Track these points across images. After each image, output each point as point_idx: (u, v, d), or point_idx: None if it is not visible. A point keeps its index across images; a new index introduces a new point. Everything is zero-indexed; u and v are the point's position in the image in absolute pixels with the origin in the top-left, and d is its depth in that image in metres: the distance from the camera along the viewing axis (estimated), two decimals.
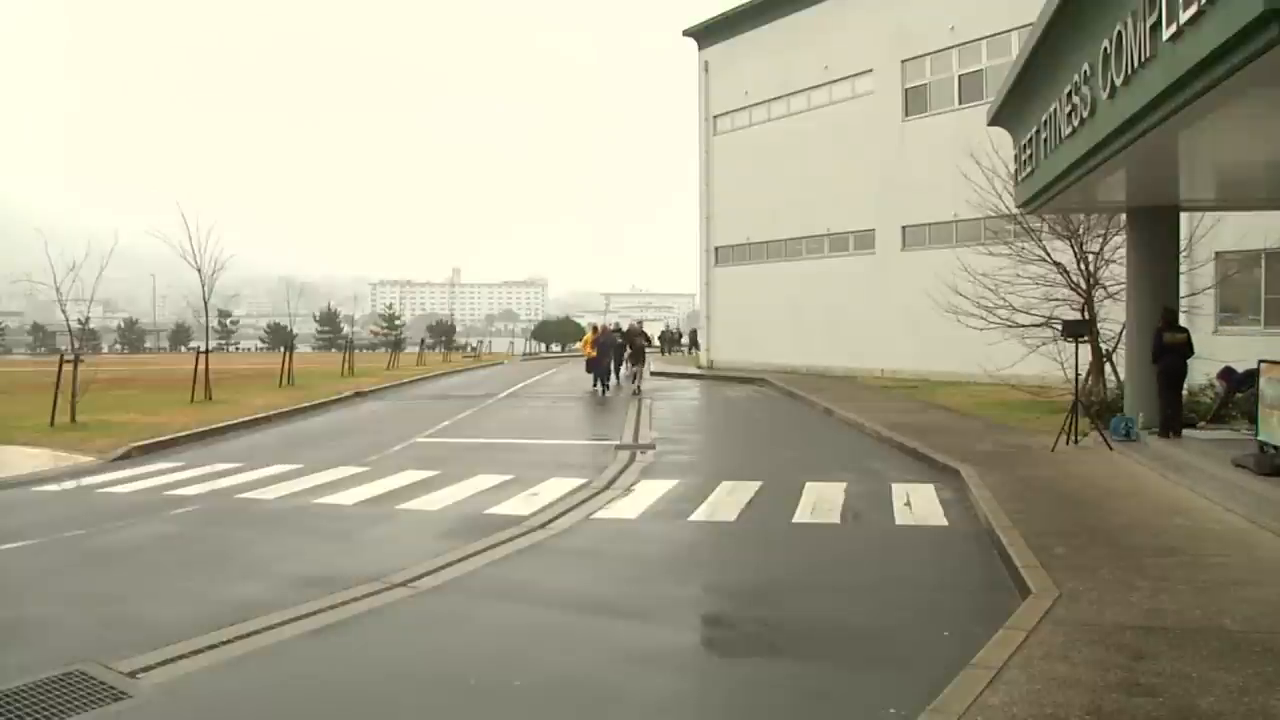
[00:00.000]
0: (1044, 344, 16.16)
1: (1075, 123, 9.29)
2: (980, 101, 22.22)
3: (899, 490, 10.24)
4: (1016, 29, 21.49)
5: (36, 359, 56.33)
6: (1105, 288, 15.96)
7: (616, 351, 25.25)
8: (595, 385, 24.32)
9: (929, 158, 24.15)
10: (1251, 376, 11.78)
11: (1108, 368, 16.00)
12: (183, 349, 74.83)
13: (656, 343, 44.76)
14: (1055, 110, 10.15)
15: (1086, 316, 15.66)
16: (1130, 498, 9.14)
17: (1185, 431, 11.58)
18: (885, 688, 4.86)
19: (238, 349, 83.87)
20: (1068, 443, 12.22)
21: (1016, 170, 13.17)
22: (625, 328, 26.96)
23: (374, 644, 5.66)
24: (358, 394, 23.88)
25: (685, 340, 52.91)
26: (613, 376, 25.18)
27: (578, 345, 26.72)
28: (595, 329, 26.46)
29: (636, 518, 9.23)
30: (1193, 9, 6.05)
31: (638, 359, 24.31)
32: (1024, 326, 16.61)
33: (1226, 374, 12.65)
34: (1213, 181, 11.67)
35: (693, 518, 9.10)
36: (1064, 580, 6.22)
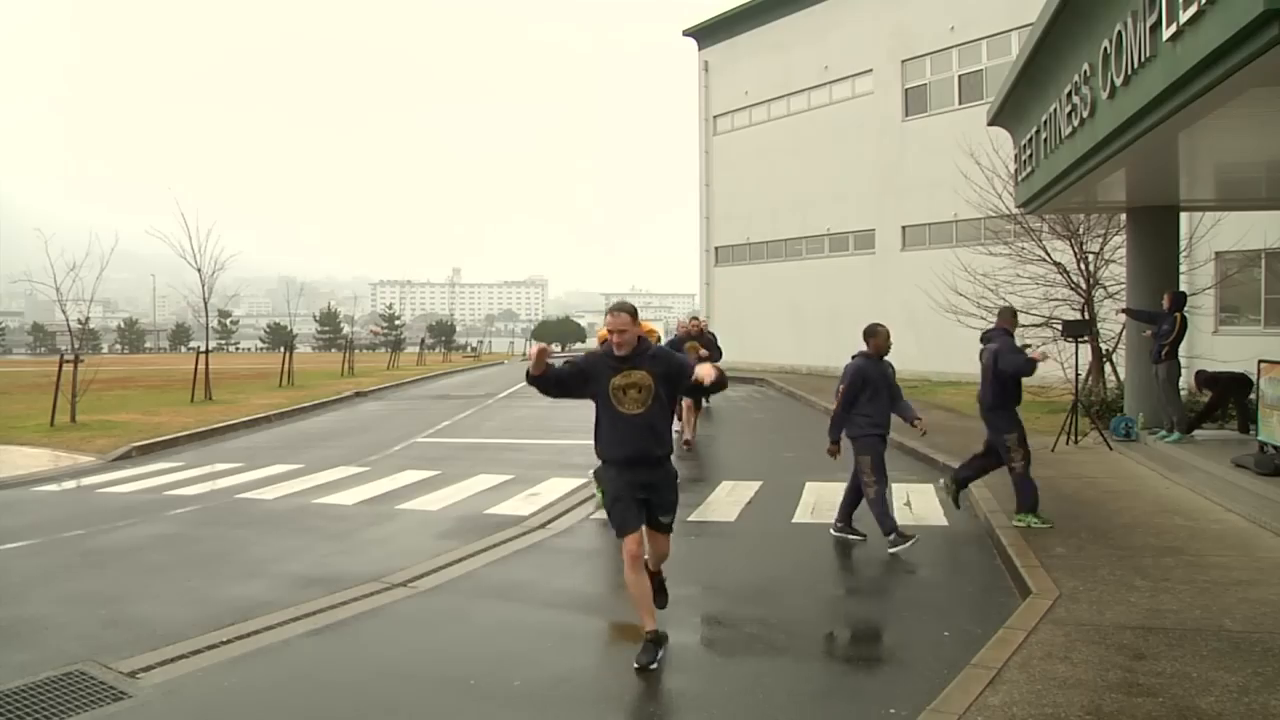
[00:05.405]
0: (1044, 344, 16.15)
1: (1075, 123, 9.28)
2: (980, 101, 22.22)
3: (899, 490, 10.23)
4: (1016, 29, 21.51)
5: (36, 359, 56.31)
6: (1105, 288, 15.97)
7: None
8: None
9: (929, 158, 24.15)
10: (1217, 379, 11.69)
11: (1108, 368, 16.01)
12: (183, 349, 74.77)
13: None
14: (1055, 110, 10.15)
15: (1086, 316, 15.67)
16: (1130, 498, 9.14)
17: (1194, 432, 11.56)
18: (885, 688, 4.86)
19: (238, 349, 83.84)
20: (1068, 443, 12.22)
21: (1016, 170, 13.16)
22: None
23: (374, 644, 5.65)
24: (357, 394, 23.88)
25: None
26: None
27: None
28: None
29: None
30: (1193, 9, 6.05)
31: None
32: (1024, 326, 16.60)
33: (1204, 380, 12.14)
34: (1213, 181, 11.66)
35: (692, 518, 9.09)
36: (1064, 580, 6.22)
